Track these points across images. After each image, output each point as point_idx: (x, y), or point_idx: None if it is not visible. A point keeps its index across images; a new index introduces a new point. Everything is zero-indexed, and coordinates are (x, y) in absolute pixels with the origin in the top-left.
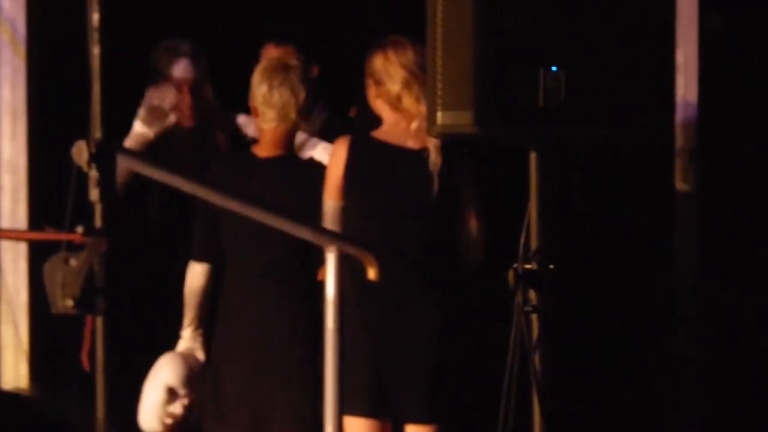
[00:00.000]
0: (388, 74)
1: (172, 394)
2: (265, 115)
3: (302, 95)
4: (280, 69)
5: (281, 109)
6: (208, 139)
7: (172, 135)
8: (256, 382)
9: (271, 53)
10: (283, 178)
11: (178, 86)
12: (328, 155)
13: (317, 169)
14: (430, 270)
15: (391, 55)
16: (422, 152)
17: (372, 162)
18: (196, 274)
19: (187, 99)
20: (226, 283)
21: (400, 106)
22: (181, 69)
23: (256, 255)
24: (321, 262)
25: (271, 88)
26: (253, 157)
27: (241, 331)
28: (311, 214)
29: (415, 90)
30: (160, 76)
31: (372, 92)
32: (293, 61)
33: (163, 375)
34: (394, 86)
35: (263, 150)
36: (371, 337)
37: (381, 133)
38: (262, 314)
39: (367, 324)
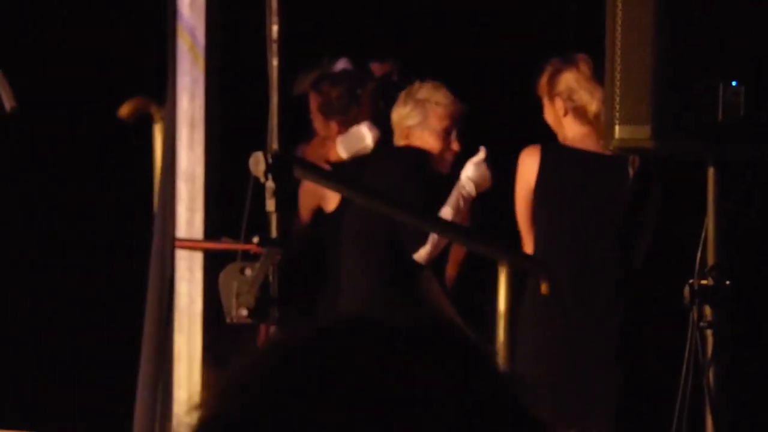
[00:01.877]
0: (587, 90)
1: None
2: None
3: None
4: None
5: None
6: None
7: None
8: None
9: (374, 70)
10: None
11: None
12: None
13: None
14: (615, 282)
15: (586, 70)
16: (619, 157)
17: (569, 169)
18: None
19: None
20: None
21: (596, 121)
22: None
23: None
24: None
25: None
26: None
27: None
28: None
29: None
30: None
31: (558, 108)
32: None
33: None
34: (594, 102)
35: None
36: (552, 351)
37: (572, 143)
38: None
39: (549, 337)
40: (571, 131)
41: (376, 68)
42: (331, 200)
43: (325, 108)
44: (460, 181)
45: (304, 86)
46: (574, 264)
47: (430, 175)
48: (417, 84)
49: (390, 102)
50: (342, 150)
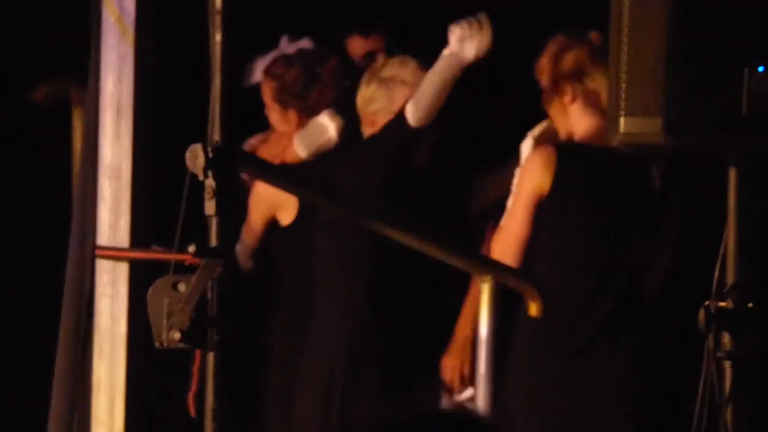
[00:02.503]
0: (603, 73)
1: None
2: None
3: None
4: None
5: None
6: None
7: None
8: None
9: (357, 46)
10: None
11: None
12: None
13: None
14: (631, 309)
15: (601, 49)
16: (642, 157)
17: (591, 175)
18: None
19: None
20: None
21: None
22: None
23: None
24: None
25: None
26: None
27: None
28: None
29: None
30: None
31: (564, 94)
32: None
33: None
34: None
35: None
36: (547, 390)
37: (582, 139)
38: None
39: (544, 372)
40: (580, 124)
41: (359, 44)
42: (288, 211)
43: (280, 94)
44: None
45: (259, 73)
46: (586, 287)
47: (403, 173)
48: (381, 59)
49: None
50: (300, 147)
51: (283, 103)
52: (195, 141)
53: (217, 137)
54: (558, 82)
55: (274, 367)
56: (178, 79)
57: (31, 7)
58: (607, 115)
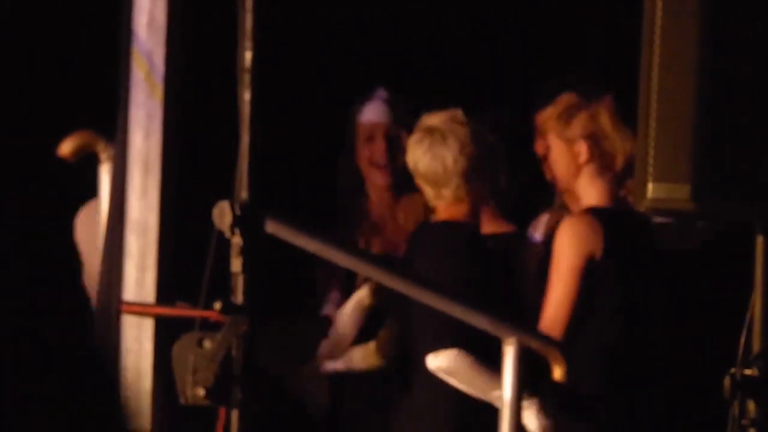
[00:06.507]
0: (621, 133)
1: None
2: None
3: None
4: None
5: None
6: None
7: (365, 197)
8: None
9: None
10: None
11: (369, 134)
12: None
13: None
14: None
15: (614, 110)
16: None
17: (630, 240)
18: None
19: (380, 145)
20: None
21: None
22: (371, 113)
23: None
24: None
25: None
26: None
27: None
28: None
29: None
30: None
31: (579, 153)
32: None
33: None
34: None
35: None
36: None
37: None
38: None
39: None
40: (593, 185)
41: None
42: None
43: None
44: None
45: None
46: (625, 359)
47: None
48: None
49: None
50: None
51: None
52: (223, 198)
53: (244, 195)
54: (571, 140)
55: None
56: (206, 136)
57: (60, 62)
58: (634, 180)
